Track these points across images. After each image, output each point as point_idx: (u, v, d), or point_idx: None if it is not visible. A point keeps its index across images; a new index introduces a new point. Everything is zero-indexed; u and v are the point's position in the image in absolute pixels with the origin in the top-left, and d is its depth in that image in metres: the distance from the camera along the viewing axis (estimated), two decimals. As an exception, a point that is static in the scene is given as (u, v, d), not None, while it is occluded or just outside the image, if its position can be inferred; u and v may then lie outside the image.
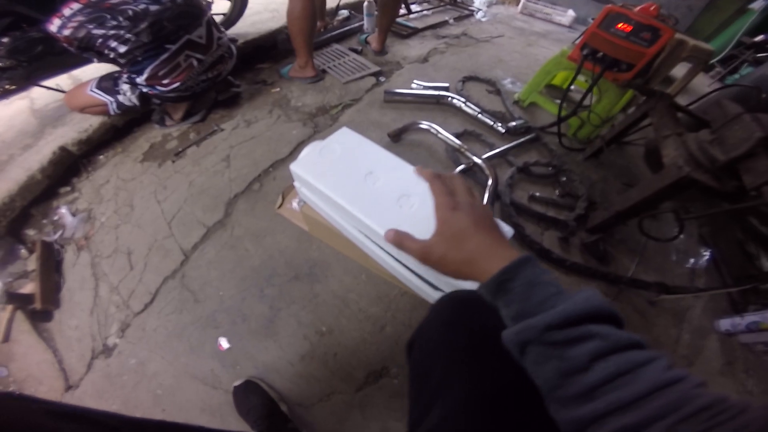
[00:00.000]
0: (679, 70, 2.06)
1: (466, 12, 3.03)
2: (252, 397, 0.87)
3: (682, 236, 1.35)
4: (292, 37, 1.66)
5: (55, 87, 1.56)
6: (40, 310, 1.07)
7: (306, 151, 0.87)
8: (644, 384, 0.32)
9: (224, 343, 0.99)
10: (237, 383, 0.91)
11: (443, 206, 0.51)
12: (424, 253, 0.49)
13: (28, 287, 1.11)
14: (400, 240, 0.52)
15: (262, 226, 1.22)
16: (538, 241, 1.23)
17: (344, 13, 2.55)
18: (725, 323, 1.12)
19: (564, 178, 1.46)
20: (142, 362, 0.97)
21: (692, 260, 1.33)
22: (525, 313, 0.39)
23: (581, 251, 1.27)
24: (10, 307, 1.06)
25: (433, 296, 0.87)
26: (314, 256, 1.15)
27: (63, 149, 1.42)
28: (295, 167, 0.84)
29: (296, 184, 0.96)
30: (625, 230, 1.34)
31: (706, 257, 1.34)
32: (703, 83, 2.43)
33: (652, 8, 1.34)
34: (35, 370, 0.98)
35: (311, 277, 1.11)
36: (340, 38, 2.27)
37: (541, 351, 0.37)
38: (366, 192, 0.78)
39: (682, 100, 1.37)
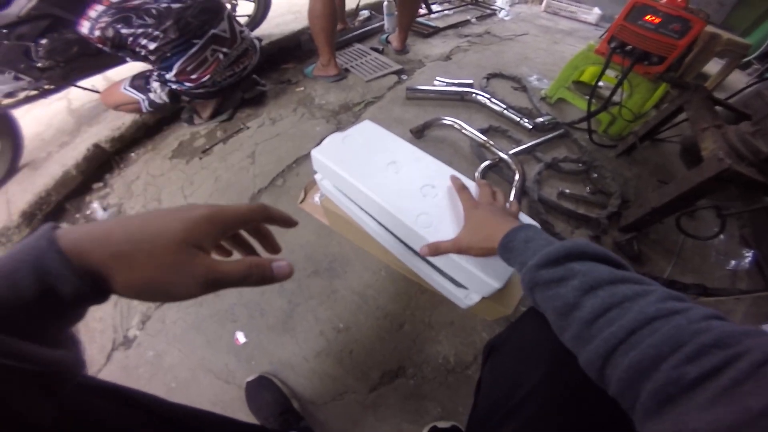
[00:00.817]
0: (713, 68, 1.96)
1: (489, 11, 3.00)
2: (265, 393, 0.86)
3: (722, 236, 1.27)
4: (314, 35, 1.68)
5: (90, 87, 1.64)
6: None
7: (328, 140, 0.87)
8: (633, 315, 0.31)
9: (241, 338, 0.99)
10: (250, 379, 0.90)
11: (467, 205, 0.67)
12: (457, 246, 0.63)
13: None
14: (435, 249, 0.65)
15: (284, 220, 1.23)
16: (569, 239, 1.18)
17: (365, 13, 2.57)
18: (769, 329, 1.04)
19: (595, 175, 1.40)
20: (160, 354, 0.97)
21: (733, 262, 1.24)
22: (525, 262, 0.45)
23: (614, 251, 1.20)
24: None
25: (454, 293, 0.84)
26: (334, 251, 1.15)
27: (97, 146, 1.48)
28: (316, 153, 0.84)
29: (317, 176, 0.95)
30: (660, 229, 1.27)
31: (748, 259, 1.24)
32: (740, 81, 2.30)
33: (679, 0, 1.29)
34: (59, 362, 1.01)
35: (330, 272, 1.10)
36: (361, 38, 2.28)
37: (542, 292, 0.40)
38: (389, 180, 0.77)
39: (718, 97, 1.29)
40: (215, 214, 0.32)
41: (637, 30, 1.32)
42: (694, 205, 1.08)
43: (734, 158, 0.97)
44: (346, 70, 1.95)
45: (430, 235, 0.69)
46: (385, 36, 2.24)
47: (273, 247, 0.44)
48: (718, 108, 1.22)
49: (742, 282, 1.19)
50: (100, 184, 1.45)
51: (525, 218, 0.73)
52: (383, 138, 0.88)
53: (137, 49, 1.28)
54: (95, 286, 0.26)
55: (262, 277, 0.32)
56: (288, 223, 0.40)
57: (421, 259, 0.85)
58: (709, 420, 0.23)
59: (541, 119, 1.58)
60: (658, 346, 0.28)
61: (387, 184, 0.76)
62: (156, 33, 1.25)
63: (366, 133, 0.88)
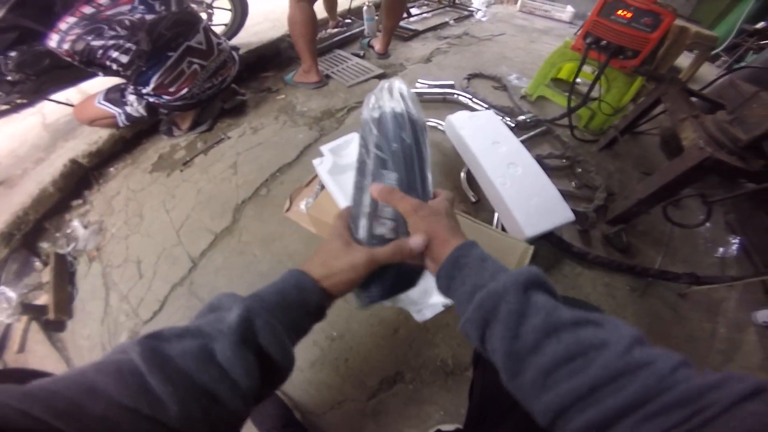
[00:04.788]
0: (684, 61, 2.02)
1: (466, 12, 3.03)
2: (267, 405, 0.84)
3: (708, 224, 1.29)
4: (294, 41, 1.68)
5: (64, 101, 1.59)
6: (54, 321, 1.07)
7: (458, 114, 1.25)
8: (597, 371, 0.28)
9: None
10: None
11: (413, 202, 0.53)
12: (413, 208, 0.47)
13: (43, 298, 1.12)
14: (389, 193, 0.49)
15: (270, 230, 1.20)
16: (558, 233, 1.18)
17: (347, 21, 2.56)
18: (762, 315, 1.05)
19: (579, 170, 1.42)
20: (151, 372, 0.95)
21: (721, 249, 1.26)
22: (481, 284, 0.38)
23: (603, 244, 1.21)
24: (25, 318, 1.06)
25: (408, 306, 0.93)
26: (323, 258, 1.13)
27: (74, 162, 1.44)
28: (452, 118, 1.21)
29: (315, 161, 0.98)
30: (648, 221, 1.29)
31: (736, 245, 1.27)
32: (711, 73, 2.38)
33: (648, -6, 1.33)
34: (47, 381, 0.97)
35: (321, 280, 1.08)
36: (341, 44, 2.28)
37: (496, 329, 0.35)
38: (490, 152, 1.12)
39: (691, 90, 1.32)
40: (337, 222, 0.51)
41: (611, 25, 1.36)
42: (679, 195, 1.10)
43: (714, 147, 0.99)
44: (327, 76, 1.94)
45: (503, 189, 1.05)
46: (366, 40, 2.24)
47: None
48: (693, 99, 1.25)
49: (732, 269, 1.21)
50: (80, 201, 1.41)
51: None
52: (496, 125, 1.23)
53: (107, 63, 1.23)
54: (328, 301, 0.44)
55: (404, 251, 0.46)
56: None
57: None
58: None
59: (522, 117, 1.59)
60: (620, 408, 0.26)
61: (489, 155, 1.12)
62: (128, 45, 1.21)
63: (486, 117, 1.26)
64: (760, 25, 2.01)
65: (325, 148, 0.99)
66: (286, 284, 0.42)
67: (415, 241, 0.45)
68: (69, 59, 1.22)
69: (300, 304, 0.41)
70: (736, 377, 0.25)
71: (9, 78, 1.29)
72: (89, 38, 1.16)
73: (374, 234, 0.49)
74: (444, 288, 0.44)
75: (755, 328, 1.05)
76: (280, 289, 0.41)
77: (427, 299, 0.94)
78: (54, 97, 1.53)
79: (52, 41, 1.17)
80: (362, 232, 0.49)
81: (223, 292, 0.41)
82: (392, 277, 0.48)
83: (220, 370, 0.32)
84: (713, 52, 2.23)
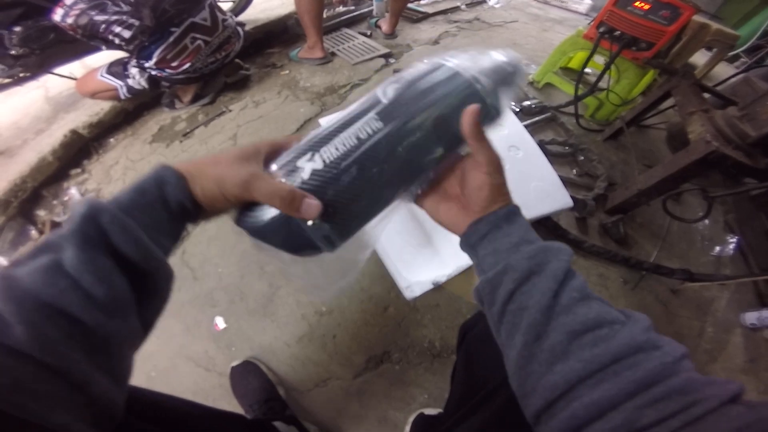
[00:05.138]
0: (700, 60, 1.97)
1: (480, -2, 2.96)
2: (251, 379, 0.84)
3: (707, 222, 1.27)
4: (300, 16, 1.65)
5: (68, 75, 1.58)
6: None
7: None
8: (623, 340, 0.29)
9: (220, 323, 0.96)
10: (235, 363, 0.88)
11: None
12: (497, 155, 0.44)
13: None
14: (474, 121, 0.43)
15: (266, 201, 1.20)
16: (555, 219, 1.17)
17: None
18: (751, 317, 1.04)
19: (582, 158, 1.39)
20: (139, 342, 0.96)
21: (718, 248, 1.25)
22: (528, 241, 0.38)
23: (600, 233, 1.20)
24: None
25: (399, 282, 0.88)
26: (317, 232, 1.12)
27: (74, 132, 1.44)
28: None
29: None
30: (647, 213, 1.27)
31: (732, 245, 1.25)
32: (728, 73, 2.32)
33: (668, -13, 1.28)
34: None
35: (313, 254, 1.08)
36: (349, 23, 2.24)
37: (532, 283, 0.34)
38: (492, 136, 0.97)
39: (705, 88, 1.29)
40: (260, 143, 0.39)
41: (626, 16, 1.33)
42: (679, 188, 1.08)
43: (721, 141, 0.97)
44: (333, 53, 1.91)
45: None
46: (374, 20, 2.20)
47: None
48: (705, 96, 1.22)
49: (726, 268, 1.20)
50: (78, 170, 1.41)
51: None
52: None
53: (110, 38, 1.22)
54: (193, 204, 0.36)
55: (290, 204, 0.34)
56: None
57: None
58: None
59: (528, 102, 1.57)
60: (638, 382, 0.26)
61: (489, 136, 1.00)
62: (131, 21, 1.20)
63: None
64: (786, 27, 1.95)
65: (323, 120, 0.98)
66: (146, 181, 0.34)
67: (310, 202, 0.35)
68: (72, 33, 1.21)
69: (160, 201, 0.34)
70: (724, 380, 0.26)
71: (13, 52, 1.29)
72: (93, 13, 1.16)
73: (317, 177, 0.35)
74: (481, 234, 0.40)
75: (741, 330, 1.04)
76: (138, 187, 0.34)
77: (416, 275, 0.94)
78: (57, 70, 1.52)
79: (57, 15, 1.17)
80: (305, 169, 0.36)
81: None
82: (274, 222, 0.36)
83: (70, 280, 0.27)
84: (733, 53, 2.18)
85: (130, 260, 0.30)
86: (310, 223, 0.35)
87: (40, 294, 0.26)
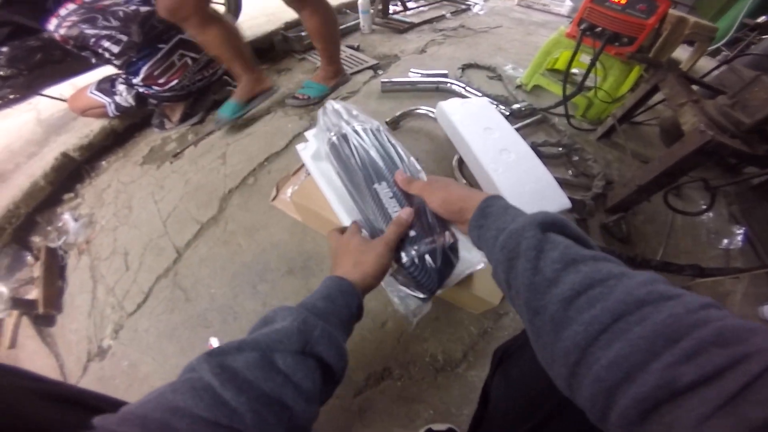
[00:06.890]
0: (682, 55, 1.99)
1: (463, 6, 3.01)
2: None
3: (711, 214, 1.24)
4: (230, 62, 1.35)
5: (58, 96, 1.59)
6: (43, 315, 1.06)
7: (451, 101, 1.17)
8: (619, 296, 0.27)
9: (215, 343, 0.94)
10: None
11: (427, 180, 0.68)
12: (426, 190, 0.61)
13: (34, 293, 1.11)
14: (409, 181, 0.66)
15: (256, 219, 1.18)
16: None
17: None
18: (768, 310, 1.00)
19: (576, 158, 1.37)
20: (134, 364, 0.93)
21: (725, 241, 1.21)
22: (503, 228, 0.41)
23: (602, 233, 1.17)
24: (15, 313, 1.06)
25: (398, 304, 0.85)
26: (308, 248, 1.10)
27: (65, 155, 1.44)
28: (443, 105, 1.14)
29: (299, 146, 0.93)
30: (648, 210, 1.24)
31: (740, 237, 1.21)
32: (711, 67, 2.34)
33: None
34: (39, 375, 0.97)
35: (306, 270, 1.05)
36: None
37: (517, 263, 0.36)
38: (482, 138, 1.07)
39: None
40: (349, 235, 0.63)
41: (605, 11, 1.33)
42: (679, 181, 1.06)
43: (716, 130, 0.95)
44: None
45: (496, 175, 0.98)
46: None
47: None
48: (693, 87, 1.21)
49: (737, 261, 1.16)
50: (71, 195, 1.41)
51: None
52: (490, 112, 1.17)
53: (100, 51, 1.24)
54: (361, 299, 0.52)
55: (401, 222, 0.61)
56: None
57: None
58: None
59: (517, 105, 1.55)
60: (651, 338, 0.23)
61: (480, 141, 1.06)
62: (119, 36, 1.22)
63: (478, 104, 1.19)
64: (761, 19, 1.97)
65: (309, 134, 0.96)
66: (332, 291, 0.48)
67: (404, 210, 0.63)
68: (64, 44, 1.23)
69: (346, 307, 0.47)
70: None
71: (1, 73, 1.29)
72: (84, 26, 1.18)
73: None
74: (475, 238, 0.48)
75: (761, 323, 1.00)
76: (327, 296, 0.47)
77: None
78: (47, 92, 1.53)
79: (51, 24, 1.19)
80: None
81: (279, 307, 0.44)
82: (423, 264, 0.62)
83: (283, 376, 0.35)
84: (713, 47, 2.21)
85: (328, 361, 0.40)
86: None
87: (261, 386, 0.33)
